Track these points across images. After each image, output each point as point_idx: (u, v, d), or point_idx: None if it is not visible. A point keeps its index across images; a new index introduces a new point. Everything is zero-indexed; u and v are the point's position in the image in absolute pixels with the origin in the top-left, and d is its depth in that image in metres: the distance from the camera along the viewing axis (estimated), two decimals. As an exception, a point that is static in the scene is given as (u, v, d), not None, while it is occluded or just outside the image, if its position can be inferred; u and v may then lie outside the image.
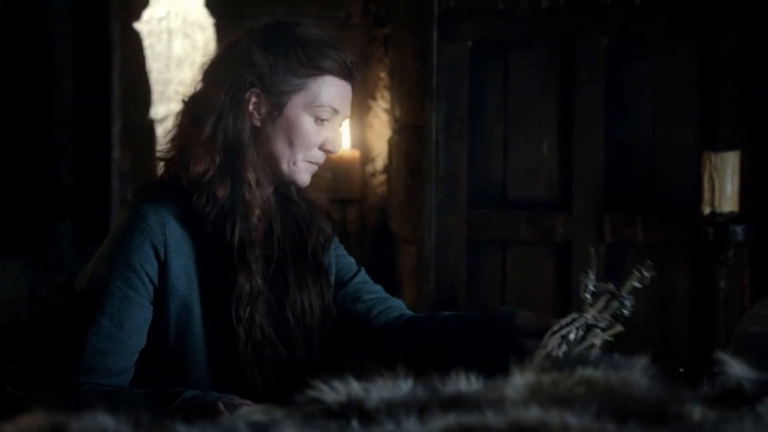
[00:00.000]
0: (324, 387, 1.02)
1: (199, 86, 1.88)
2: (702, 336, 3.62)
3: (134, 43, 4.07)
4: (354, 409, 1.01)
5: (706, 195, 3.43)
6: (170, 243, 1.78)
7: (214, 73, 1.85)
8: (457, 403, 1.04)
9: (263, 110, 1.82)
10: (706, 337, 3.58)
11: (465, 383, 1.12)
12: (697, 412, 1.02)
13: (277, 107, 1.82)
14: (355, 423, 0.98)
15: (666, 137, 3.75)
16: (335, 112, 1.84)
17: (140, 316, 1.79)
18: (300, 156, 1.84)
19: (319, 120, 1.84)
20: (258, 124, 1.82)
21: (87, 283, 1.82)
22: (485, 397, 1.06)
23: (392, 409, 1.00)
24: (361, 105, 4.00)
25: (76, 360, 1.78)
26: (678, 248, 3.69)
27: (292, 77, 1.82)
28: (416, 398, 1.04)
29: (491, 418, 0.97)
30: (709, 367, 1.25)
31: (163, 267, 1.78)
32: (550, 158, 3.78)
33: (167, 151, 1.87)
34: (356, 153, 4.08)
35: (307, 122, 1.83)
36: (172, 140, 1.87)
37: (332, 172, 3.98)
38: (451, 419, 0.97)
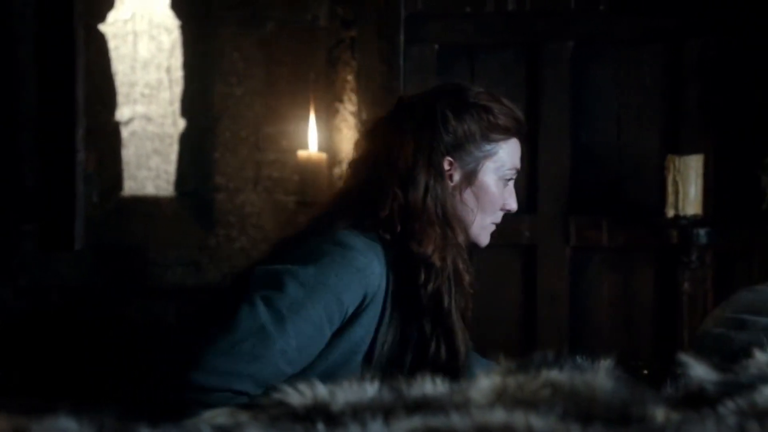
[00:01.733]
0: (289, 390, 1.02)
1: (375, 145, 1.87)
2: (666, 338, 3.65)
3: (99, 45, 4.04)
4: (319, 412, 1.01)
5: (670, 198, 3.46)
6: (374, 295, 1.76)
7: (404, 131, 1.83)
8: (423, 405, 1.05)
9: (456, 177, 1.83)
10: (670, 339, 3.60)
11: (430, 386, 1.13)
12: (660, 413, 1.03)
13: (470, 174, 1.84)
14: (320, 426, 0.98)
15: (631, 141, 3.78)
16: (517, 172, 1.89)
17: (317, 349, 1.73)
18: (489, 219, 1.87)
19: (505, 182, 1.87)
20: (451, 191, 1.84)
21: (279, 284, 1.70)
22: (451, 399, 1.06)
23: (358, 412, 1.00)
24: (327, 108, 4.00)
25: (240, 364, 1.64)
26: (642, 251, 3.71)
27: (485, 143, 1.84)
28: (382, 401, 1.04)
29: (457, 420, 0.98)
30: (672, 369, 1.26)
31: (356, 314, 1.76)
32: (516, 161, 3.79)
33: (385, 217, 1.80)
34: (323, 155, 4.08)
35: (496, 186, 1.86)
36: (386, 205, 1.81)
37: (299, 174, 3.97)
38: (416, 422, 0.97)
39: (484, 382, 1.20)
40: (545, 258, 3.69)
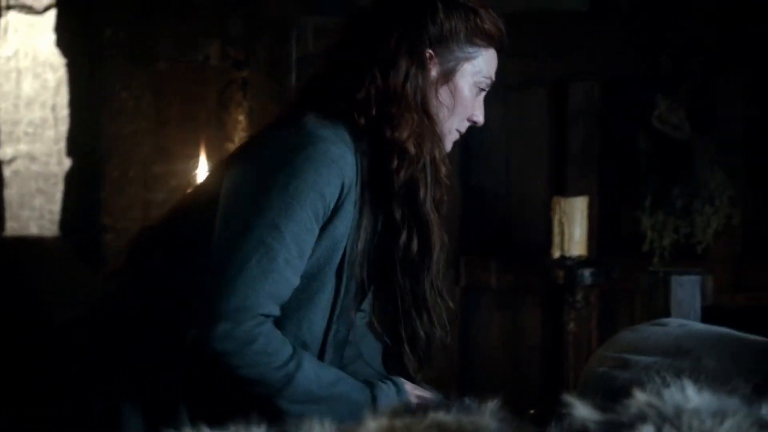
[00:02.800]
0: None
1: (355, 32, 1.80)
2: (553, 376, 3.71)
3: (-19, 82, 3.95)
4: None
5: (556, 239, 3.53)
6: (351, 186, 1.71)
7: (388, 19, 1.78)
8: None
9: (434, 73, 1.78)
10: (557, 377, 3.66)
11: (318, 428, 1.12)
12: (543, 453, 1.04)
13: (449, 72, 1.78)
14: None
15: (519, 182, 3.85)
16: (491, 83, 1.84)
17: (310, 251, 1.68)
18: (455, 124, 1.82)
19: (479, 91, 1.83)
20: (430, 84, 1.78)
21: (263, 195, 1.66)
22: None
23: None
24: (219, 148, 3.97)
25: (254, 282, 1.62)
26: (530, 291, 3.78)
27: (467, 45, 1.79)
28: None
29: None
30: (558, 409, 1.28)
31: (337, 207, 1.70)
32: (406, 202, 3.82)
33: (361, 99, 1.73)
34: (213, 196, 4.05)
35: (470, 91, 1.81)
36: (362, 87, 1.74)
37: (189, 214, 3.93)
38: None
39: (372, 424, 1.20)
40: (435, 298, 3.71)
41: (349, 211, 1.71)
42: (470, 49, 1.80)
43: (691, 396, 1.13)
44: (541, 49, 3.77)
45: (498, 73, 4.03)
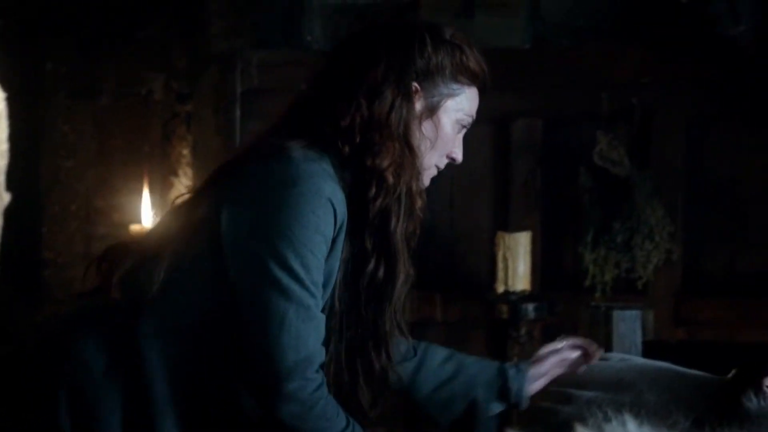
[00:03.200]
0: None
1: (341, 60, 1.79)
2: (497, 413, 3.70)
3: None
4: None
5: (500, 274, 3.55)
6: (342, 221, 1.71)
7: (376, 49, 1.77)
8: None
9: (418, 106, 1.78)
10: (501, 413, 3.66)
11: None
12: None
13: (431, 107, 1.79)
14: None
15: (463, 218, 3.87)
16: (471, 121, 1.86)
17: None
18: (435, 159, 1.83)
19: (460, 128, 1.84)
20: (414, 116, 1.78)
21: (274, 245, 1.65)
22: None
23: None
24: (163, 181, 3.95)
25: (300, 333, 1.64)
26: (474, 326, 3.79)
27: (452, 82, 1.80)
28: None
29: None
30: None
31: (332, 244, 1.71)
32: (351, 237, 3.83)
33: (346, 126, 1.73)
34: (156, 230, 4.01)
35: (452, 128, 1.82)
36: (348, 114, 1.74)
37: (131, 249, 3.89)
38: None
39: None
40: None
41: (339, 247, 1.72)
42: (454, 86, 1.81)
43: (632, 430, 1.14)
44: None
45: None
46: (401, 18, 1.85)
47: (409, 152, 1.77)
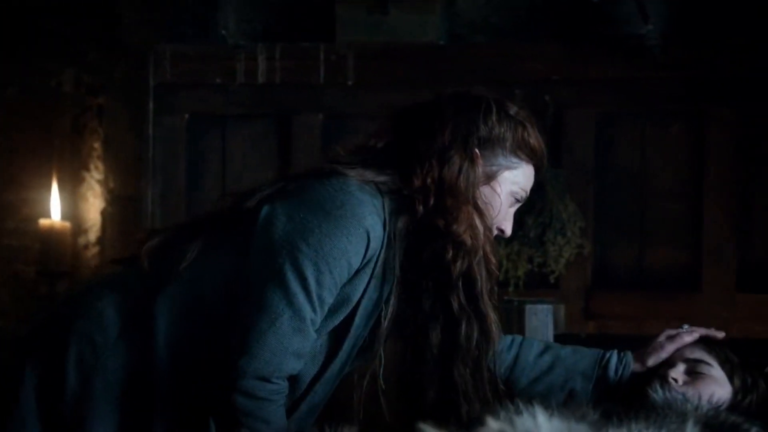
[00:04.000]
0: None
1: (412, 121, 1.86)
2: (412, 405, 3.73)
3: None
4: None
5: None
6: (372, 257, 1.74)
7: (444, 112, 1.85)
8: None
9: (479, 171, 1.82)
10: (415, 406, 3.69)
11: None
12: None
13: (488, 175, 1.83)
14: None
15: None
16: (524, 198, 1.89)
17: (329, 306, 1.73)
18: (486, 227, 1.85)
19: (513, 201, 1.87)
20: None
21: (297, 251, 1.69)
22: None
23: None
24: (73, 176, 3.89)
25: (284, 339, 1.67)
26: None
27: (512, 155, 1.85)
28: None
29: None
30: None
31: (355, 274, 1.74)
32: (266, 232, 3.81)
33: (419, 186, 1.78)
34: (66, 224, 3.95)
35: (506, 199, 1.86)
36: (420, 174, 1.79)
37: (40, 243, 3.82)
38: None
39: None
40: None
41: (363, 280, 1.76)
42: (513, 159, 1.86)
43: (542, 423, 1.16)
44: (399, 80, 3.83)
45: (357, 103, 4.08)
46: (472, 89, 1.91)
47: (478, 214, 1.82)
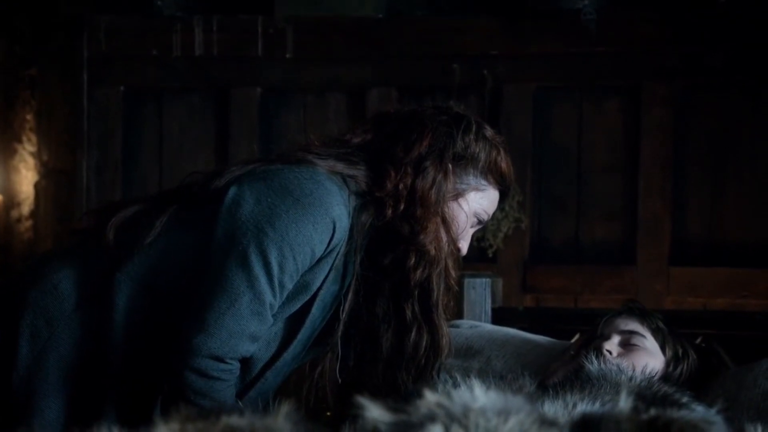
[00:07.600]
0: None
1: (395, 123, 1.86)
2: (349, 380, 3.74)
3: None
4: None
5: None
6: (335, 247, 1.73)
7: (423, 124, 1.85)
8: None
9: (449, 186, 1.83)
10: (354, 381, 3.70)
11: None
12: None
13: (457, 192, 1.84)
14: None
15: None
16: (485, 221, 1.90)
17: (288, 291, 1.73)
18: (451, 240, 1.85)
19: (475, 222, 1.88)
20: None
21: (263, 234, 1.68)
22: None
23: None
24: (5, 148, 3.82)
25: (241, 322, 1.66)
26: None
27: (482, 176, 1.86)
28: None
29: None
30: (353, 412, 1.30)
31: (317, 262, 1.74)
32: (204, 206, 3.79)
33: (390, 191, 1.79)
34: (-1, 198, 3.88)
35: (468, 219, 1.86)
36: (393, 178, 1.79)
37: (-28, 218, 3.75)
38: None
39: (163, 428, 1.19)
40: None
41: (324, 270, 1.76)
42: (482, 182, 1.88)
43: (479, 395, 1.17)
44: (339, 54, 3.81)
45: (296, 77, 4.04)
46: (454, 106, 1.92)
47: (445, 227, 1.83)
